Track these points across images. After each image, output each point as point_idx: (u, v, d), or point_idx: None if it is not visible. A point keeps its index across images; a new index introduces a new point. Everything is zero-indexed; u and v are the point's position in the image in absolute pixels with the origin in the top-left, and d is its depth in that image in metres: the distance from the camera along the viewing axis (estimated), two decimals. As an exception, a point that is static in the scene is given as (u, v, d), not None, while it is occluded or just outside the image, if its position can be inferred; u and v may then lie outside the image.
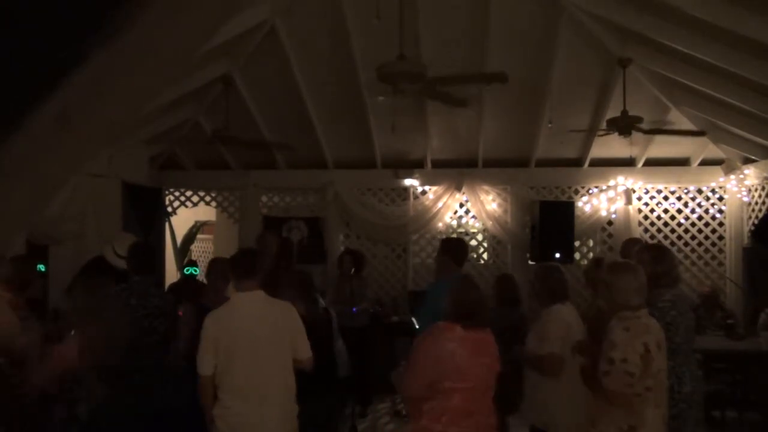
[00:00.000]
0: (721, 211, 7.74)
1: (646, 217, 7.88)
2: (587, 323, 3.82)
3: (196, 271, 6.73)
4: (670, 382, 3.10)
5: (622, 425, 2.86)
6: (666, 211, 7.85)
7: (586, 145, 7.54)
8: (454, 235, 8.46)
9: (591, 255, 8.08)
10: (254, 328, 3.19)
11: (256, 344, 3.17)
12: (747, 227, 7.41)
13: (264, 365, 3.18)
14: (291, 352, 3.25)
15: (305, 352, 3.29)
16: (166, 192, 8.49)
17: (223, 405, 3.18)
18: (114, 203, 6.77)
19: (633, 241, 5.61)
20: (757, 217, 7.13)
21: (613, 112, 6.14)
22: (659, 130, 6.05)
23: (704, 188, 7.78)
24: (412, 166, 8.05)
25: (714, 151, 7.40)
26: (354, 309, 6.37)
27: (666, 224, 7.83)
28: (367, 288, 6.84)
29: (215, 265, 4.30)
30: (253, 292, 3.26)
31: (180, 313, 4.14)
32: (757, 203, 7.21)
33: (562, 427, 3.56)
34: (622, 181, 7.75)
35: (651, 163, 7.76)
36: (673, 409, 3.14)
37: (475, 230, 8.63)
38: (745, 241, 7.41)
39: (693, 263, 7.73)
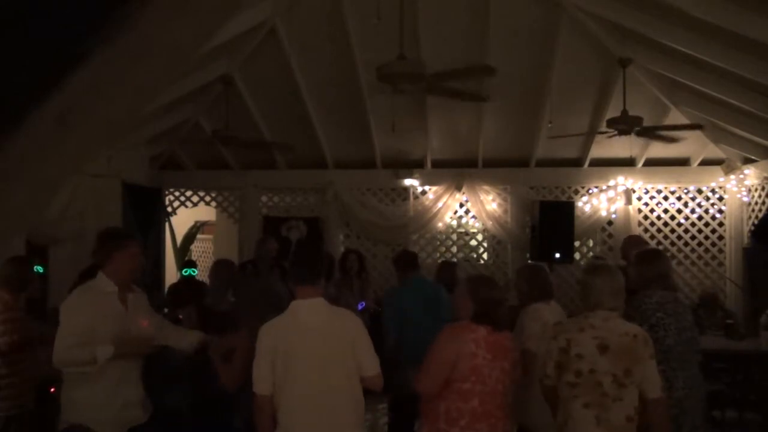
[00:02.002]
0: (721, 211, 7.74)
1: (646, 217, 7.87)
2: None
3: (193, 272, 6.70)
4: None
5: (558, 418, 2.91)
6: (666, 211, 7.84)
7: (586, 145, 7.54)
8: (454, 236, 8.51)
9: (591, 255, 8.07)
10: (315, 340, 2.81)
11: (318, 358, 2.80)
12: (747, 227, 7.41)
13: (327, 381, 2.79)
14: (356, 366, 2.85)
15: (371, 368, 2.85)
16: (166, 192, 8.48)
17: (284, 430, 2.78)
18: (114, 203, 6.76)
19: (633, 239, 5.62)
20: (757, 217, 7.12)
21: (613, 112, 6.14)
22: (657, 127, 6.04)
23: (704, 188, 7.77)
24: (412, 166, 8.05)
25: (714, 151, 7.40)
26: (361, 305, 6.28)
27: (666, 224, 7.83)
28: (369, 288, 6.81)
29: (217, 267, 4.26)
30: (314, 299, 2.87)
31: (180, 317, 3.91)
32: (757, 203, 7.20)
33: (534, 426, 3.54)
34: (622, 181, 7.74)
35: (651, 163, 7.75)
36: None
37: (475, 230, 8.63)
38: (745, 241, 7.41)
39: (693, 263, 7.73)
